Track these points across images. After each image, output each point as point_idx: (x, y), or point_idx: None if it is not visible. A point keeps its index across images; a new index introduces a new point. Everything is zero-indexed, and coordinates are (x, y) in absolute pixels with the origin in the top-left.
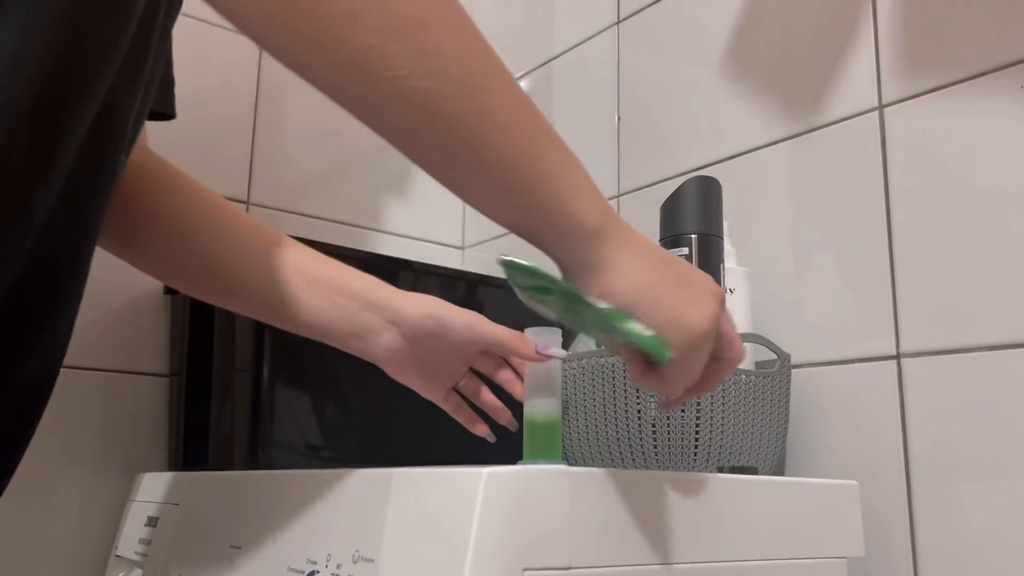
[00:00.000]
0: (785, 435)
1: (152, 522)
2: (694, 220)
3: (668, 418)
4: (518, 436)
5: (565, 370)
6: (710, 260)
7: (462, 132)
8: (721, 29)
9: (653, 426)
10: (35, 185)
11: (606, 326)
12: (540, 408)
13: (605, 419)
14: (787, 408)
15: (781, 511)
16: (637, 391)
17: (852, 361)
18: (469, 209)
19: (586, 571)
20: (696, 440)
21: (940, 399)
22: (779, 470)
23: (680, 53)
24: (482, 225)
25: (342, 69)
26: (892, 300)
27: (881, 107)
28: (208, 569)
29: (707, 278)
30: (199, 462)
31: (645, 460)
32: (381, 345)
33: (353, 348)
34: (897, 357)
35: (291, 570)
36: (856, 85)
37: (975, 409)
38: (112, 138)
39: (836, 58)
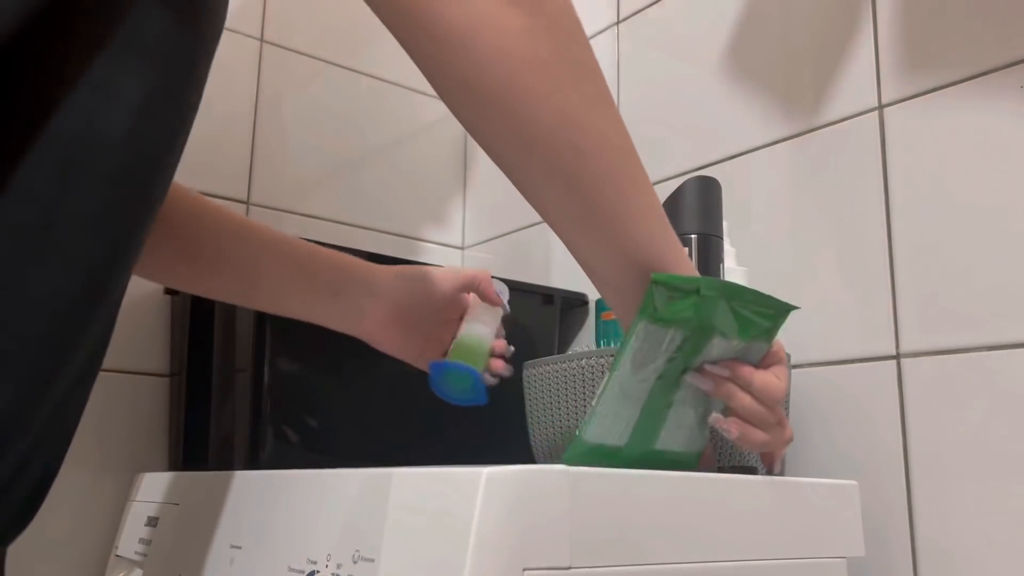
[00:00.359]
0: None
1: (152, 522)
2: (694, 220)
3: None
4: (519, 436)
5: (565, 371)
6: (710, 260)
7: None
8: (721, 29)
9: None
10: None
11: (737, 314)
12: (477, 332)
13: None
14: (787, 408)
15: (781, 511)
16: None
17: (852, 361)
18: (469, 209)
19: (586, 571)
20: None
21: (940, 399)
22: (779, 470)
23: (680, 53)
24: (482, 225)
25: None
26: (892, 300)
27: (881, 107)
28: (208, 569)
29: None
30: (199, 462)
31: None
32: (367, 318)
33: (338, 325)
34: (897, 357)
35: (291, 570)
36: (856, 85)
37: (975, 409)
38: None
39: (836, 58)
